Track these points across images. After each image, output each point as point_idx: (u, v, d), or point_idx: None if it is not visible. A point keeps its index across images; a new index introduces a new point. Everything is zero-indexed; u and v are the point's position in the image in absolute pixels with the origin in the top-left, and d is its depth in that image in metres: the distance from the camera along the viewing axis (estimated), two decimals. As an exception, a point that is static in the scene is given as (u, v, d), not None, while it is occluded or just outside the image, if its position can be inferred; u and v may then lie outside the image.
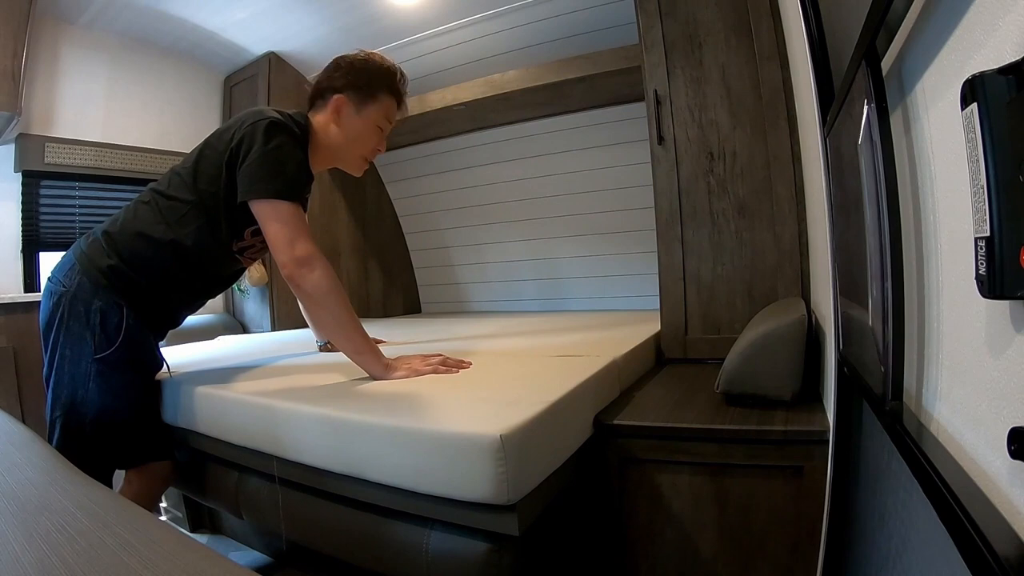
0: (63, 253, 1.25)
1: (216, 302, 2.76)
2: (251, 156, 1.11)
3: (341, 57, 1.27)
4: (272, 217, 1.12)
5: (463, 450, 0.82)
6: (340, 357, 1.26)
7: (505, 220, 2.93)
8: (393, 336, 1.92)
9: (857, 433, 1.00)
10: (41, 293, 1.24)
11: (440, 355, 1.25)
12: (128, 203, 1.26)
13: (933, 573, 0.57)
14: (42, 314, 1.20)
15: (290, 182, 1.13)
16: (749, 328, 1.30)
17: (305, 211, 1.39)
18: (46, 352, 1.19)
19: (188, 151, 1.25)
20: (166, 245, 1.17)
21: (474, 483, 0.81)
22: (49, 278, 1.21)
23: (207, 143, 1.20)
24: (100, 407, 1.17)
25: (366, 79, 1.24)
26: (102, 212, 2.43)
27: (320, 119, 1.25)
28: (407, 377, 1.16)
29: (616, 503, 1.13)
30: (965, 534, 0.39)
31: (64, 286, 1.16)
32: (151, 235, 1.17)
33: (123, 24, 2.35)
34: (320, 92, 1.26)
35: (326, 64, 1.30)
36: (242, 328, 2.78)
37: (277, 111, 1.18)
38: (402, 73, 1.28)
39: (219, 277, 1.36)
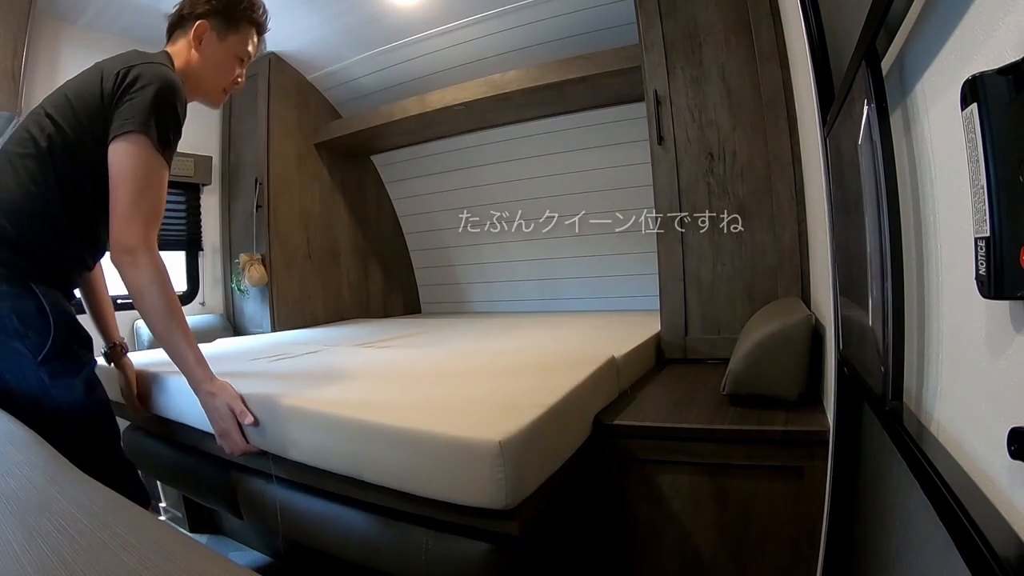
0: None
1: (216, 302, 2.76)
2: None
3: None
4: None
5: (463, 456, 0.82)
6: (340, 360, 1.26)
7: (505, 220, 2.93)
8: (393, 334, 1.92)
9: (857, 433, 1.00)
10: None
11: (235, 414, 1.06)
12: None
13: (933, 573, 0.57)
14: None
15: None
16: (750, 329, 1.30)
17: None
18: None
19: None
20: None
21: (473, 488, 0.81)
22: None
23: None
24: (82, 407, 1.02)
25: (228, 6, 1.20)
26: (102, 212, 2.43)
27: (180, 47, 1.18)
28: (218, 411, 1.04)
29: (616, 503, 1.13)
30: (965, 534, 0.39)
31: None
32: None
33: (123, 24, 2.35)
34: (181, 20, 1.20)
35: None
36: (234, 330, 2.73)
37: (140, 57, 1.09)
38: (264, 8, 1.27)
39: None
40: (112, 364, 1.34)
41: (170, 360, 1.06)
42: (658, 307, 1.70)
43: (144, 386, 1.35)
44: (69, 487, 0.66)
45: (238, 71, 1.24)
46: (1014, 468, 0.38)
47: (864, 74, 0.63)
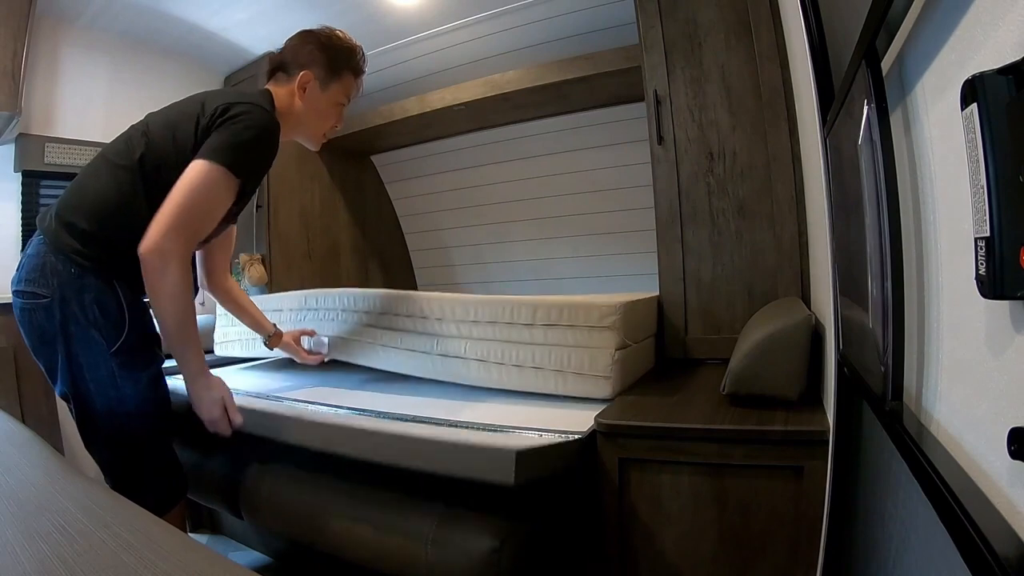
0: (19, 264, 1.11)
1: (215, 302, 2.76)
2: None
3: (308, 32, 1.29)
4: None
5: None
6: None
7: (505, 220, 2.92)
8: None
9: (857, 433, 1.00)
10: (17, 317, 1.10)
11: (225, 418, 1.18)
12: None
13: (933, 573, 0.57)
14: (29, 335, 1.09)
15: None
16: (750, 329, 1.30)
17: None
18: (55, 371, 1.08)
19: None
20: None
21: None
22: (18, 295, 1.09)
23: None
24: (143, 399, 1.09)
25: (332, 57, 1.26)
26: (102, 212, 2.43)
27: (283, 92, 1.24)
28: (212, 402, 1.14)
29: (616, 503, 1.13)
30: (965, 534, 0.39)
31: (45, 295, 1.05)
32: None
33: (123, 24, 2.35)
34: (284, 65, 1.27)
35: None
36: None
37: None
38: (363, 52, 1.33)
39: None
40: (274, 348, 1.59)
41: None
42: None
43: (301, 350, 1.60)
44: (69, 487, 0.66)
45: (337, 116, 1.31)
46: (1014, 468, 0.38)
47: (864, 74, 0.63)
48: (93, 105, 2.36)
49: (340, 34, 1.31)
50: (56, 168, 2.24)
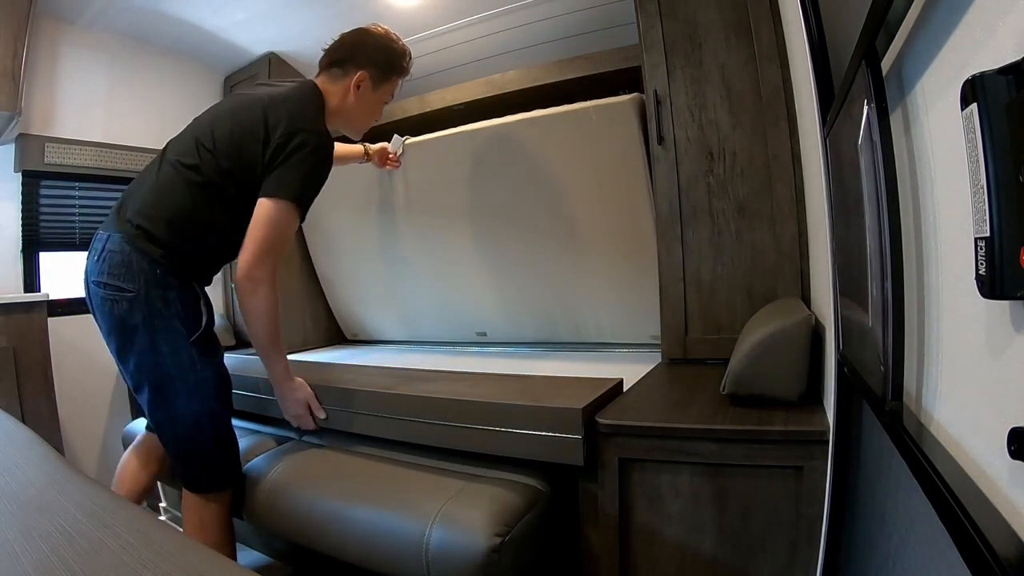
0: (96, 256, 1.22)
1: (216, 302, 2.76)
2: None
3: (366, 32, 1.37)
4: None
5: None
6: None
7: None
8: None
9: (857, 433, 1.01)
10: (96, 304, 1.22)
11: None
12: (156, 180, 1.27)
13: (933, 573, 0.57)
14: (106, 320, 1.20)
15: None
16: (750, 329, 1.30)
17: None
18: (126, 354, 1.19)
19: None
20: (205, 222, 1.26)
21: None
22: (99, 286, 1.19)
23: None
24: (217, 381, 1.24)
25: (387, 59, 1.36)
26: (102, 212, 2.42)
27: (336, 88, 1.34)
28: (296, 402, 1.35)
29: (616, 503, 1.13)
30: (965, 534, 0.39)
31: (131, 290, 1.16)
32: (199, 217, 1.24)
33: (123, 24, 2.35)
34: (341, 62, 1.34)
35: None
36: (234, 330, 2.73)
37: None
38: (411, 55, 1.42)
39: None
40: (371, 158, 1.99)
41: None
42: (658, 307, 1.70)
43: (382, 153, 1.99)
44: (69, 487, 0.66)
45: (380, 112, 1.45)
46: (1014, 468, 0.38)
47: (864, 74, 0.63)
48: (93, 105, 2.36)
49: (394, 36, 1.39)
50: (56, 168, 2.24)
